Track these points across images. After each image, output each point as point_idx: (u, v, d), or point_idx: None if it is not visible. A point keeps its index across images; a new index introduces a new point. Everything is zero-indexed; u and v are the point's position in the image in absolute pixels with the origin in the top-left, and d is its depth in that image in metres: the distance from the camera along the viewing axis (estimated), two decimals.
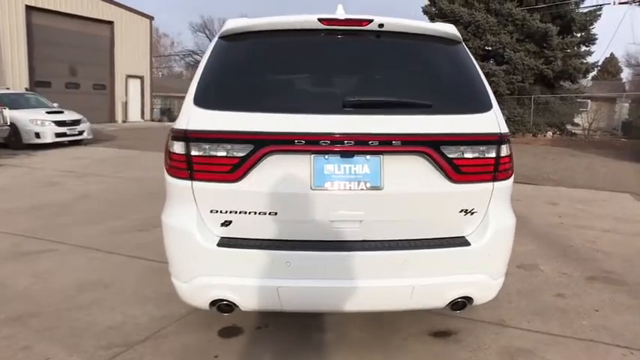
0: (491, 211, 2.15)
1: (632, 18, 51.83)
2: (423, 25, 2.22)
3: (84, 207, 5.66)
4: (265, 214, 2.02)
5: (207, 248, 2.02)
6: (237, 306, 2.09)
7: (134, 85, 23.81)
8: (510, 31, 18.96)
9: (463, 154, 2.04)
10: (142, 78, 24.24)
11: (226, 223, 2.05)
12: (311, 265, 2.02)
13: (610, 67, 43.04)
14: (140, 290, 3.26)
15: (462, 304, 2.16)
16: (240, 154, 1.97)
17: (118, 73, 22.46)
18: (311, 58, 2.18)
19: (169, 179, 2.12)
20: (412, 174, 2.04)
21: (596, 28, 19.88)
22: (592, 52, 20.37)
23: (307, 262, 2.01)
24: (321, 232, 2.05)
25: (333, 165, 2.00)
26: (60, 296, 3.13)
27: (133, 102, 23.66)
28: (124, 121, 22.55)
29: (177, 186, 2.08)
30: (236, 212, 2.03)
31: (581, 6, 19.69)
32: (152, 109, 25.82)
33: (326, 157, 1.99)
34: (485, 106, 2.14)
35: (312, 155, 1.99)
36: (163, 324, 2.79)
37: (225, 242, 2.03)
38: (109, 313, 2.91)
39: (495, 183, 2.13)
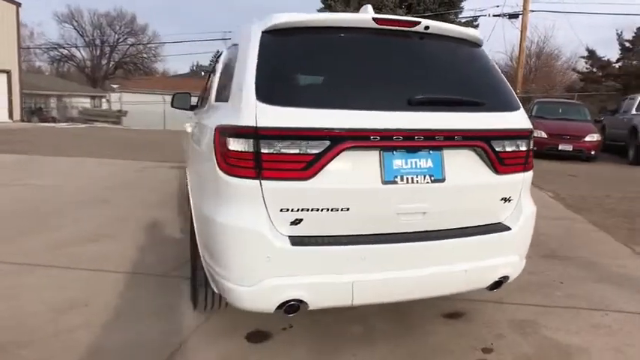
0: (522, 199, 2.40)
1: (503, 29, 58.16)
2: (458, 28, 2.39)
3: (3, 219, 4.92)
4: (338, 210, 2.02)
5: (282, 248, 1.96)
6: (307, 305, 2.06)
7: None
8: None
9: (505, 147, 2.25)
10: (8, 72, 21.39)
11: (296, 222, 2.01)
12: (383, 258, 2.07)
13: None
14: (128, 305, 2.97)
15: (499, 283, 2.38)
16: (315, 151, 1.95)
17: None
18: (367, 56, 2.21)
19: (227, 178, 2.01)
20: (465, 167, 2.20)
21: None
22: None
23: (379, 255, 2.06)
24: (390, 225, 2.11)
25: (400, 160, 2.07)
26: (39, 321, 2.73)
27: None
28: None
29: (241, 186, 1.98)
30: (308, 210, 1.99)
31: (460, 16, 21.90)
32: (22, 109, 22.90)
33: (394, 152, 2.06)
34: (517, 105, 2.38)
35: (381, 151, 2.05)
36: (181, 337, 2.60)
37: (299, 241, 1.99)
38: (110, 333, 2.62)
39: (525, 173, 2.38)
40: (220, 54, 3.57)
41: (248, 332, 2.67)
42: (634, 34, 23.94)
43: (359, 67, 2.17)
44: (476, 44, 2.49)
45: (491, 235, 2.26)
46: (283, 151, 1.94)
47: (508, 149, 2.26)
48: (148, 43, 48.04)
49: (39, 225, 4.66)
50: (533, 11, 19.83)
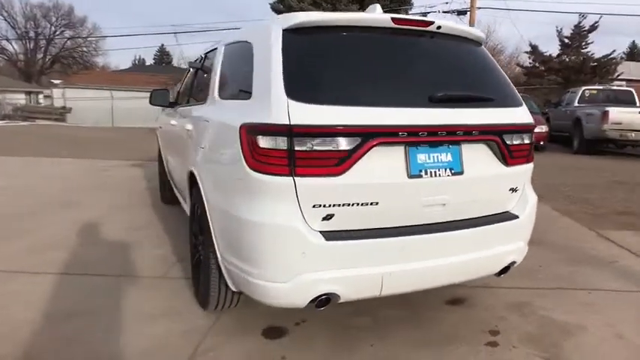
0: (526, 189, 2.57)
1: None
2: (465, 27, 2.50)
3: None
4: (367, 204, 2.08)
5: (316, 244, 2.00)
6: (338, 298, 2.11)
7: None
8: None
9: (514, 141, 2.40)
10: None
11: (328, 217, 2.05)
12: (409, 249, 2.15)
13: None
14: (133, 308, 2.89)
15: (507, 268, 2.53)
16: (347, 148, 1.99)
17: None
18: (387, 55, 2.28)
19: (259, 176, 2.01)
20: (480, 160, 2.32)
21: None
22: None
23: (406, 246, 2.14)
24: (414, 217, 2.19)
25: (424, 154, 2.16)
26: (36, 328, 2.61)
27: None
28: None
29: (274, 183, 2.00)
30: (339, 205, 2.04)
31: (410, 12, 22.39)
32: None
33: (418, 147, 2.14)
34: (520, 101, 2.53)
35: (406, 146, 2.12)
36: (198, 337, 2.57)
37: (332, 236, 2.03)
38: (124, 337, 2.55)
39: (527, 165, 2.54)
40: (211, 51, 3.52)
41: (263, 329, 2.68)
42: (572, 31, 25.48)
43: (381, 66, 2.23)
44: (478, 43, 2.61)
45: (503, 223, 2.40)
46: (316, 148, 1.97)
47: (515, 142, 2.41)
48: (87, 37, 45.79)
49: (12, 230, 4.40)
50: (480, 8, 20.65)
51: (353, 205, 2.06)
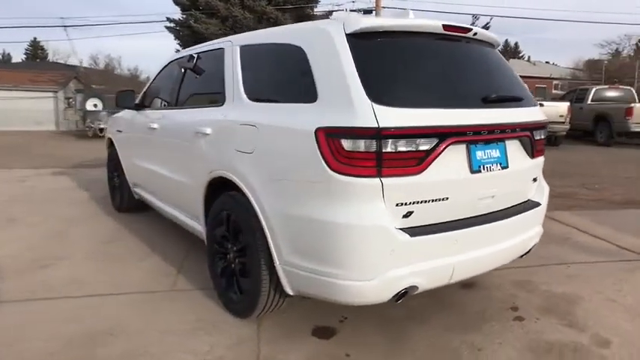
0: (541, 178, 2.89)
1: None
2: (489, 33, 2.73)
3: None
4: (439, 200, 2.21)
5: (404, 240, 2.09)
6: (416, 290, 2.22)
7: None
8: (266, 28, 20.45)
9: (538, 136, 2.69)
10: None
11: (408, 214, 2.14)
12: (472, 239, 2.33)
13: None
14: (161, 325, 2.72)
15: (529, 250, 2.83)
16: (426, 148, 2.11)
17: None
18: (444, 59, 2.43)
19: (344, 179, 2.05)
20: (515, 154, 2.57)
21: None
22: None
23: (469, 236, 2.31)
24: (472, 209, 2.38)
25: (481, 152, 2.35)
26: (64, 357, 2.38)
27: None
28: None
29: (360, 184, 2.05)
30: (417, 202, 2.15)
31: (315, 9, 22.88)
32: None
33: (477, 145, 2.33)
34: (534, 100, 2.84)
35: (468, 144, 2.30)
36: (252, 346, 2.52)
37: (415, 232, 2.13)
38: (172, 357, 2.42)
39: (543, 157, 2.86)
40: (209, 51, 3.39)
41: (311, 330, 2.70)
42: None
43: (440, 69, 2.38)
44: (496, 46, 2.87)
45: (531, 210, 2.69)
46: (400, 149, 2.06)
47: (537, 137, 2.71)
48: None
49: None
50: (385, 7, 21.74)
51: (428, 201, 2.18)
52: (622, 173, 8.65)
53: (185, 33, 20.65)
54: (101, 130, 14.48)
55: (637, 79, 21.94)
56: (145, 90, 4.51)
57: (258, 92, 2.71)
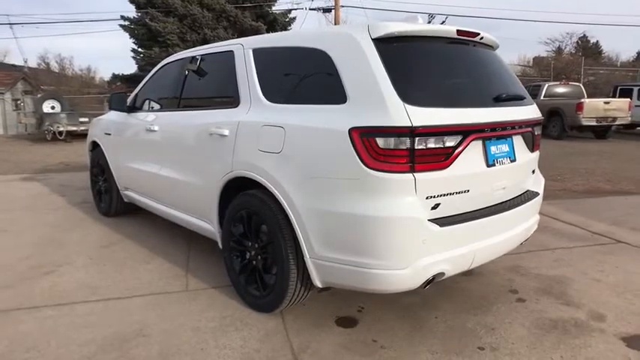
0: (537, 171, 3.15)
1: (319, 23, 61.03)
2: (491, 36, 2.94)
3: None
4: (462, 192, 2.40)
5: (434, 230, 2.26)
6: (443, 276, 2.40)
7: None
8: (225, 26, 20.28)
9: (536, 131, 2.95)
10: None
11: (435, 206, 2.32)
12: (489, 227, 2.54)
13: None
14: (187, 325, 2.77)
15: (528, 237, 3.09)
16: (452, 144, 2.30)
17: None
18: (460, 61, 2.63)
19: (380, 175, 2.20)
20: (519, 148, 2.81)
21: (297, 28, 23.60)
22: None
23: (487, 224, 2.52)
24: (488, 199, 2.59)
25: (494, 147, 2.56)
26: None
27: None
28: None
29: (395, 180, 2.20)
30: (444, 195, 2.33)
31: (273, 8, 22.87)
32: None
33: (491, 140, 2.54)
34: (531, 99, 3.09)
35: (484, 140, 2.50)
36: (282, 338, 2.63)
37: (443, 222, 2.31)
38: (210, 358, 2.48)
39: (538, 150, 3.12)
40: (216, 54, 3.44)
41: (335, 320, 2.83)
42: None
43: (458, 70, 2.58)
44: (495, 48, 3.10)
45: (533, 199, 2.94)
46: (430, 146, 2.24)
47: (536, 133, 2.96)
48: None
49: None
50: (343, 6, 22.07)
51: (453, 193, 2.37)
52: (578, 165, 9.27)
53: (141, 32, 20.14)
54: (60, 132, 13.90)
55: (582, 76, 23.35)
56: (136, 92, 4.47)
57: (278, 94, 2.80)
